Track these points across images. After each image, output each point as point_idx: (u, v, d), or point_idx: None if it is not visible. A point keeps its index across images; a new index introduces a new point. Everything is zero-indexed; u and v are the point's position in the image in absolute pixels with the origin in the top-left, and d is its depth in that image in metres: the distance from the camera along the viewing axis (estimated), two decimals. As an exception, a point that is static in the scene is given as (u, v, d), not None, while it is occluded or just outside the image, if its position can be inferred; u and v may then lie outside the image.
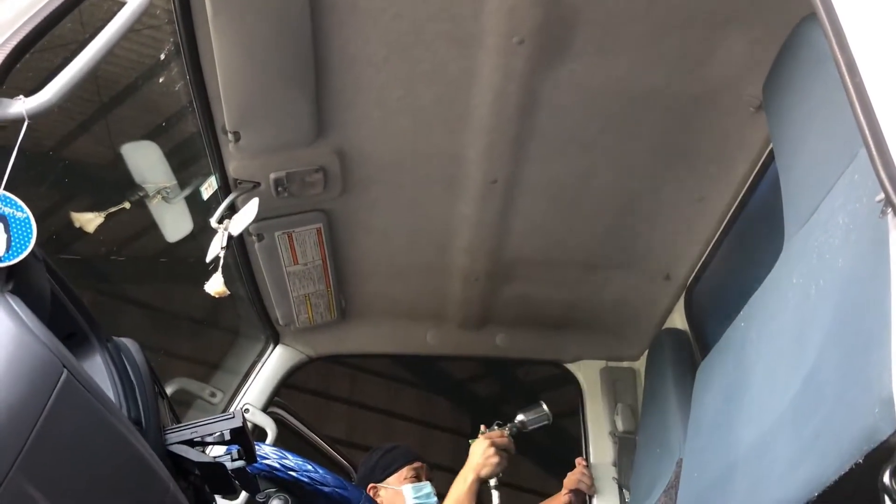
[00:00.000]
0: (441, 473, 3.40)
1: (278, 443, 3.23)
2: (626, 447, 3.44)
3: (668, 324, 3.43)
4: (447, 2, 2.15)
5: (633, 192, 2.86)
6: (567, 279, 3.31)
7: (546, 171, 2.75)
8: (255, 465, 2.08)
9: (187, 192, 2.97)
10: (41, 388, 1.10)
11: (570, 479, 3.39)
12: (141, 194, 2.99)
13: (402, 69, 2.34)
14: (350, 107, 2.47)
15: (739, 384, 2.01)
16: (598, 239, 3.09)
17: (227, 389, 3.40)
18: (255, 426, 3.26)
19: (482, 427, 3.13)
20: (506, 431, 3.09)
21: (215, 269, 2.36)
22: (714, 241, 3.03)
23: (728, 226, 2.94)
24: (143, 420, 1.40)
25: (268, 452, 2.42)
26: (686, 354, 3.15)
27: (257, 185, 2.64)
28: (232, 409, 3.21)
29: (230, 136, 2.44)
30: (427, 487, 3.12)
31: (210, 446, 1.53)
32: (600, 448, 3.53)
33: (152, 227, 3.17)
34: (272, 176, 2.64)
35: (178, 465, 1.45)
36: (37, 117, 1.34)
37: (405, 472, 3.15)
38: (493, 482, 3.04)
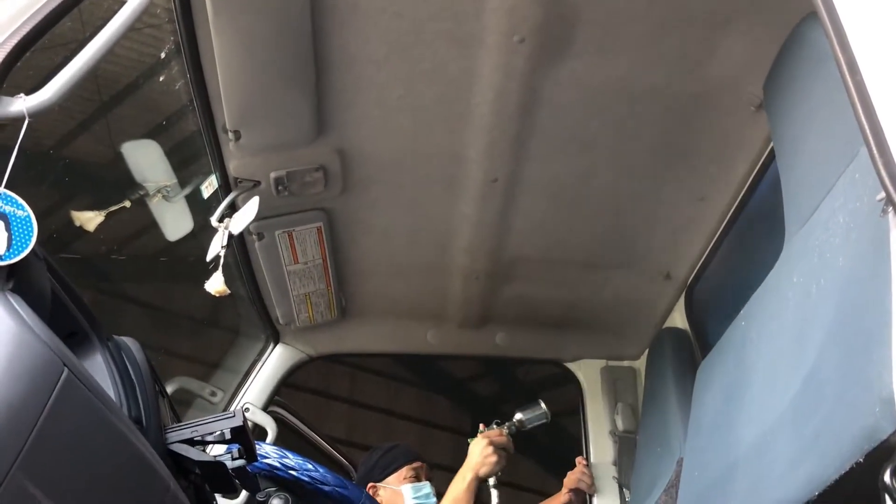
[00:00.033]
0: (441, 473, 3.40)
1: (278, 442, 3.23)
2: (627, 446, 3.44)
3: (669, 323, 3.43)
4: (447, 1, 2.15)
5: (633, 191, 2.86)
6: (567, 278, 3.31)
7: (546, 170, 2.75)
8: (256, 463, 2.08)
9: (188, 190, 2.97)
10: (42, 386, 1.10)
11: (571, 479, 3.39)
12: (141, 193, 2.98)
13: (403, 68, 2.34)
14: (350, 106, 2.47)
15: (740, 383, 2.01)
16: (599, 238, 3.09)
17: (227, 388, 3.40)
18: (256, 425, 3.26)
19: (481, 426, 3.13)
20: (504, 430, 3.09)
21: (216, 268, 2.36)
22: (714, 240, 3.03)
23: (728, 225, 2.94)
24: (143, 419, 1.40)
25: (268, 451, 2.42)
26: (686, 354, 3.15)
27: (258, 183, 2.64)
28: (232, 408, 3.21)
29: (230, 135, 2.44)
30: (426, 487, 3.12)
31: (210, 445, 1.53)
32: (601, 447, 3.53)
33: (153, 225, 3.17)
34: (272, 175, 2.64)
35: (179, 464, 1.46)
36: (37, 115, 1.34)
37: (405, 471, 3.15)
38: (492, 481, 3.04)
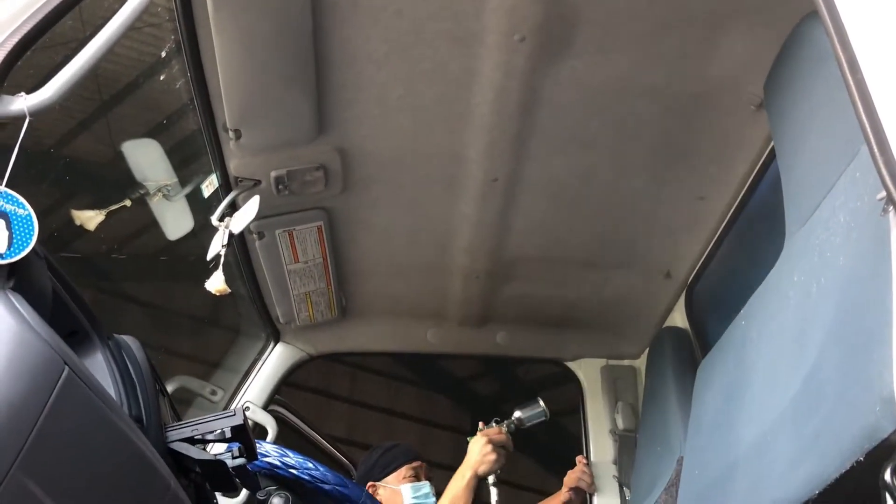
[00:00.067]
0: (441, 472, 3.40)
1: (279, 441, 3.23)
2: (627, 445, 3.44)
3: (669, 322, 3.43)
4: (448, 0, 2.15)
5: (633, 190, 2.86)
6: (567, 278, 3.31)
7: (547, 170, 2.75)
8: (256, 462, 2.08)
9: (188, 189, 2.97)
10: (42, 385, 1.11)
11: (571, 477, 3.39)
12: (142, 192, 2.98)
13: (403, 67, 2.34)
14: (351, 105, 2.47)
15: (740, 382, 2.01)
16: (599, 237, 3.09)
17: (227, 387, 3.40)
18: (256, 424, 3.26)
19: (480, 424, 3.13)
20: (503, 428, 3.09)
21: (216, 267, 2.36)
22: (715, 239, 3.03)
23: (729, 224, 2.94)
24: (144, 417, 1.40)
25: (268, 450, 2.43)
26: (686, 353, 3.15)
27: (258, 183, 2.64)
28: (233, 407, 3.21)
29: (231, 134, 2.44)
30: (426, 487, 3.12)
31: (211, 444, 1.54)
32: (601, 446, 3.53)
33: (153, 225, 3.16)
34: (273, 174, 2.64)
35: (179, 463, 1.46)
36: (38, 114, 1.34)
37: (404, 471, 3.15)
38: (491, 479, 3.04)
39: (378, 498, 3.07)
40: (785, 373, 1.67)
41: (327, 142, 2.59)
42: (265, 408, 3.33)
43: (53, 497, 1.11)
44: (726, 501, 1.85)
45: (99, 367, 1.39)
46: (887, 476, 1.10)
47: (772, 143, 2.43)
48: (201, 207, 2.84)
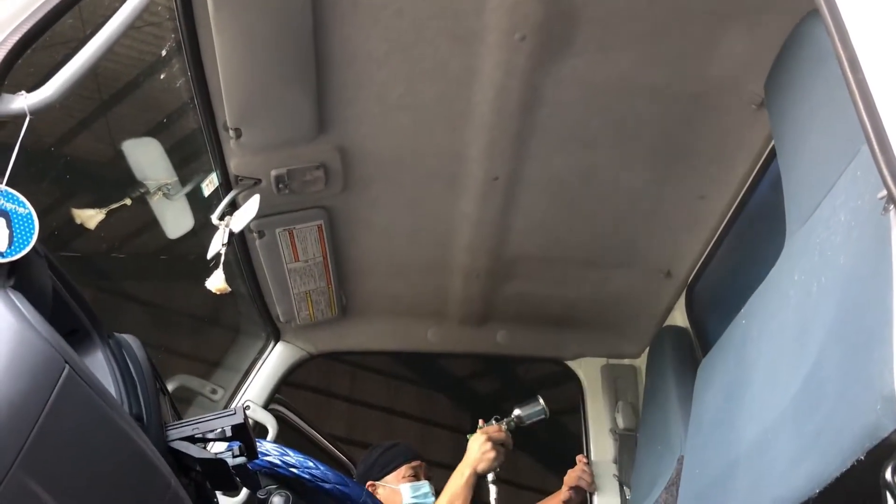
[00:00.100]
0: (441, 471, 3.40)
1: (279, 439, 3.23)
2: (627, 444, 3.44)
3: (669, 321, 3.43)
4: (448, -2, 2.16)
5: (634, 189, 2.86)
6: (568, 276, 3.31)
7: (547, 169, 2.75)
8: (257, 461, 2.08)
9: (188, 188, 2.96)
10: (43, 383, 1.11)
11: (571, 476, 3.39)
12: (142, 191, 2.98)
13: (404, 66, 2.34)
14: (351, 104, 2.47)
15: (740, 381, 2.01)
16: (599, 236, 3.09)
17: (227, 386, 3.40)
18: (256, 423, 3.26)
19: (479, 422, 3.13)
20: (503, 426, 3.10)
21: (216, 266, 2.36)
22: (715, 238, 3.03)
23: (729, 223, 2.94)
24: (144, 416, 1.40)
25: (269, 449, 2.42)
26: (687, 352, 3.15)
27: (258, 181, 2.64)
28: (233, 406, 3.21)
29: (231, 133, 2.44)
30: (425, 487, 3.12)
31: (211, 443, 1.54)
32: (601, 445, 3.53)
33: (153, 223, 3.16)
34: (273, 173, 2.63)
35: (180, 462, 1.46)
36: (38, 113, 1.34)
37: (404, 470, 3.15)
38: (490, 477, 3.04)
39: (377, 497, 3.07)
40: (785, 371, 1.67)
41: (327, 141, 2.58)
42: (265, 406, 3.33)
43: (54, 496, 1.11)
44: (727, 500, 1.85)
45: (99, 365, 1.39)
46: (888, 475, 1.10)
47: (772, 143, 2.43)
48: (201, 206, 2.83)
